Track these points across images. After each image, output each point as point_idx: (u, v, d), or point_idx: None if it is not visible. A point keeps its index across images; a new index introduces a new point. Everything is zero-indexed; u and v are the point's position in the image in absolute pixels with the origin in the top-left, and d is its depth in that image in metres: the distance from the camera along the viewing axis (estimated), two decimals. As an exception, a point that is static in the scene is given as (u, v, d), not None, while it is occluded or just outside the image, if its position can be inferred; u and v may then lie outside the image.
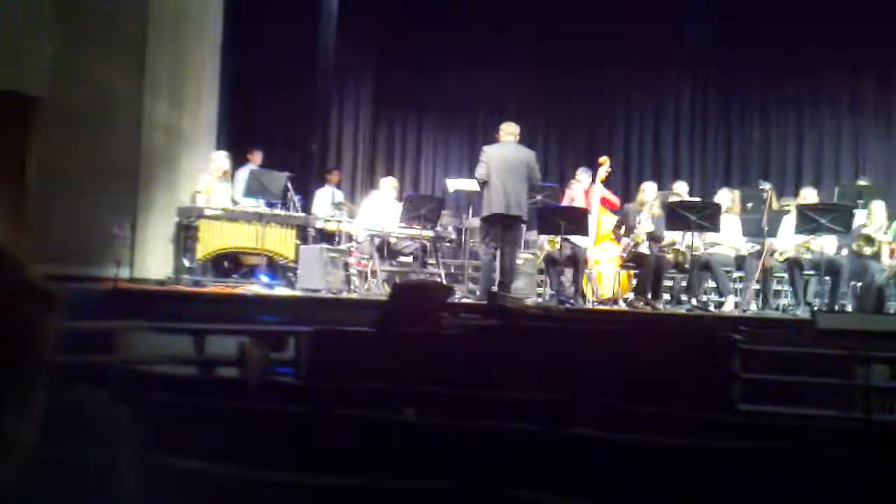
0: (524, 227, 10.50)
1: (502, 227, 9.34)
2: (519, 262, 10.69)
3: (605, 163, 10.88)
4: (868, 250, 8.93)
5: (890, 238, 9.03)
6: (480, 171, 9.46)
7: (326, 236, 11.33)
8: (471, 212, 11.82)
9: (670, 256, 9.57)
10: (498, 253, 9.56)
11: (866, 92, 14.39)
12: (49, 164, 10.61)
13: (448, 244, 11.38)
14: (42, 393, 1.02)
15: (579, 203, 10.28)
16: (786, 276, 9.47)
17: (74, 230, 10.25)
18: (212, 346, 7.12)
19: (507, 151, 9.40)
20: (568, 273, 9.95)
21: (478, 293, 9.69)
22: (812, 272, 9.16)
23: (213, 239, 10.25)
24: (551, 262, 9.84)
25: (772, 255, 9.37)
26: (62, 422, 1.19)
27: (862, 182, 11.63)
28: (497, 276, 9.47)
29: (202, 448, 2.75)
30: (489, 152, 9.46)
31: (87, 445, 1.25)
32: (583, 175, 11.02)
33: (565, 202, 10.44)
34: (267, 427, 3.42)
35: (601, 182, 10.87)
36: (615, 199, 11.11)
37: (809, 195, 10.03)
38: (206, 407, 3.56)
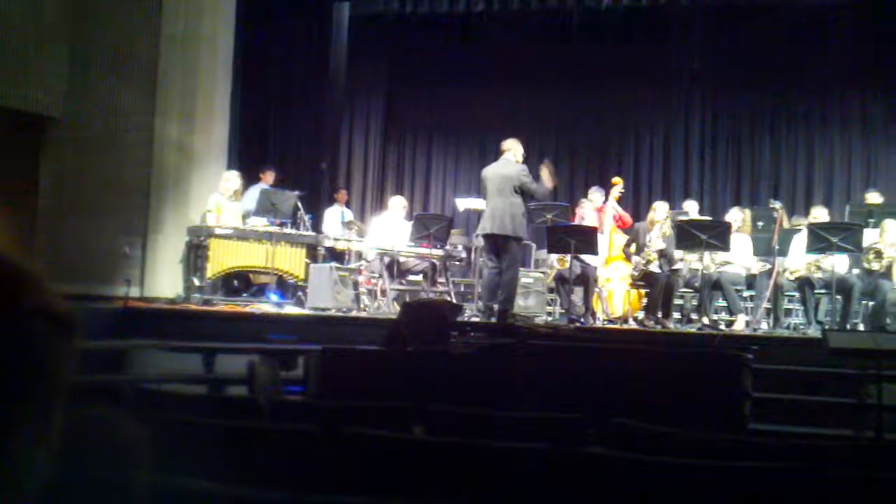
0: (526, 245, 10.43)
1: (494, 246, 9.27)
2: (529, 280, 10.67)
3: (618, 183, 10.86)
4: (877, 265, 8.89)
5: (902, 256, 8.98)
6: (483, 193, 9.51)
7: (336, 255, 11.35)
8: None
9: (685, 272, 9.55)
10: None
11: (876, 109, 14.37)
12: (61, 183, 10.69)
13: (457, 263, 11.36)
14: (59, 420, 1.02)
15: (590, 222, 10.27)
16: (797, 294, 9.44)
17: (85, 249, 10.31)
18: (222, 364, 7.13)
19: (497, 170, 9.34)
20: (578, 292, 9.92)
21: (474, 311, 9.64)
22: (823, 291, 9.12)
23: (223, 258, 10.27)
24: (561, 281, 9.82)
25: (783, 273, 9.35)
26: (81, 441, 1.19)
27: (871, 198, 11.57)
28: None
29: (212, 467, 2.75)
30: (484, 174, 9.48)
31: (105, 465, 1.25)
32: (595, 194, 10.99)
33: (576, 221, 10.43)
34: (277, 446, 3.42)
35: (615, 201, 10.85)
36: (628, 217, 11.08)
37: (820, 214, 10.00)
38: (216, 426, 3.56)
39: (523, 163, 9.45)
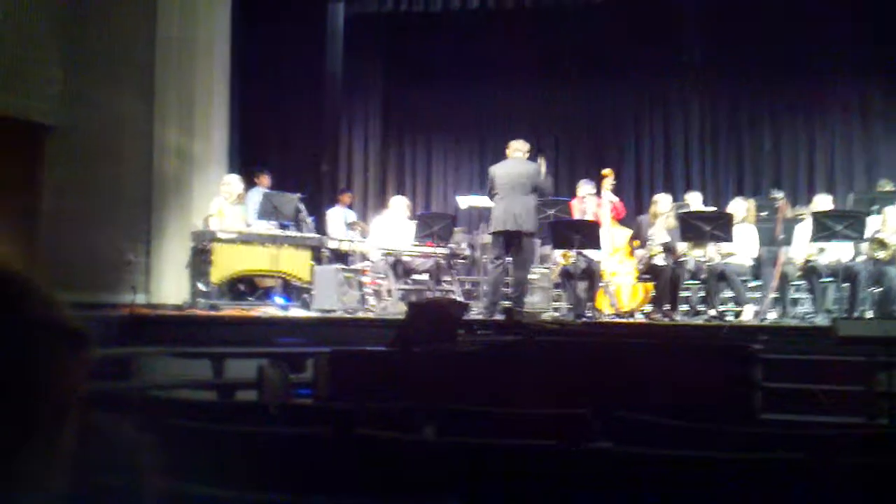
0: (536, 241, 10.48)
1: (506, 243, 9.38)
2: (534, 276, 10.66)
3: (609, 175, 10.85)
4: (881, 254, 8.87)
5: (907, 243, 8.96)
6: (490, 190, 9.60)
7: (340, 256, 11.33)
8: (482, 228, 11.81)
9: (690, 255, 9.54)
10: (510, 268, 9.64)
11: (875, 95, 14.32)
12: (62, 192, 10.67)
13: (462, 261, 11.36)
14: (71, 433, 1.00)
15: (592, 216, 10.25)
16: (803, 283, 9.41)
17: (89, 257, 10.29)
18: (230, 369, 7.13)
19: (510, 168, 9.53)
20: (584, 287, 9.91)
21: (480, 308, 9.67)
22: (829, 279, 9.09)
23: (228, 262, 10.26)
24: (567, 276, 9.81)
25: (789, 263, 9.32)
26: (85, 450, 1.18)
27: (883, 186, 11.52)
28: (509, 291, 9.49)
29: (223, 473, 2.73)
30: (493, 171, 9.64)
31: (110, 473, 1.24)
32: (586, 186, 10.96)
33: (577, 216, 10.41)
34: (287, 449, 3.41)
35: (609, 192, 10.83)
36: (621, 207, 11.04)
37: (823, 201, 9.97)
38: (226, 431, 3.55)
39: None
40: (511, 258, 9.52)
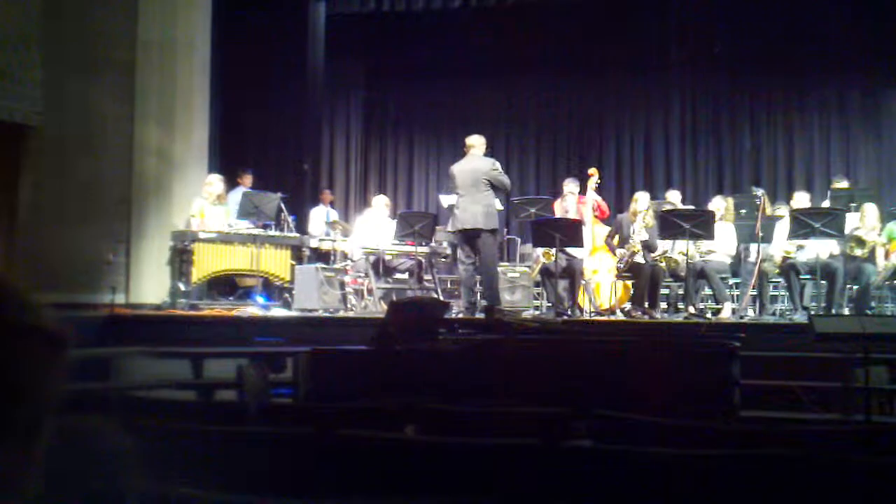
0: (510, 239, 10.47)
1: (469, 243, 9.31)
2: (514, 275, 10.68)
3: (594, 174, 10.90)
4: (859, 252, 8.94)
5: (884, 240, 9.04)
6: (453, 190, 9.51)
7: (321, 256, 11.32)
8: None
9: (662, 265, 9.58)
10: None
11: (853, 94, 14.45)
12: (41, 192, 10.60)
13: (443, 260, 11.37)
14: (45, 436, 1.00)
15: (573, 215, 10.28)
16: (782, 281, 9.48)
17: (68, 257, 10.23)
18: (210, 369, 7.10)
19: (467, 166, 9.41)
20: (565, 285, 9.94)
21: (460, 308, 9.62)
22: (808, 276, 9.16)
23: (208, 262, 10.23)
24: (547, 275, 9.82)
25: (767, 260, 9.39)
26: (64, 451, 1.18)
27: (838, 184, 11.64)
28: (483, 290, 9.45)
29: (203, 473, 2.74)
30: (453, 170, 9.52)
31: (89, 475, 1.24)
32: (571, 185, 11.01)
33: (559, 214, 10.44)
34: (267, 449, 3.41)
35: (593, 191, 10.89)
36: (605, 207, 11.12)
37: (801, 199, 10.05)
38: (206, 431, 3.55)
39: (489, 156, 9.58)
40: (478, 258, 9.39)
